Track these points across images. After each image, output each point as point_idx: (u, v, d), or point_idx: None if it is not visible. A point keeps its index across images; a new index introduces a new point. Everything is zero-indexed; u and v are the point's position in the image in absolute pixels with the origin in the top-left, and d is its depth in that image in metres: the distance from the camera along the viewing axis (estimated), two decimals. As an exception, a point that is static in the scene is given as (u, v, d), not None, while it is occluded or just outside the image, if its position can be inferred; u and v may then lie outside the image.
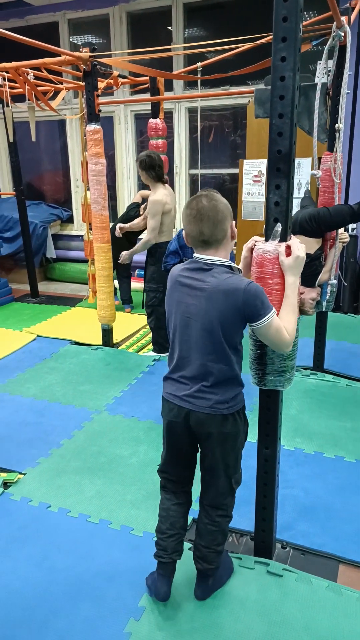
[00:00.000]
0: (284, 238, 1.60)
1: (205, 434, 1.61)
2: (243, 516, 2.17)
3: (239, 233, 4.67)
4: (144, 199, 4.62)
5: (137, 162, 3.67)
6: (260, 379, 1.73)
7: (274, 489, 1.88)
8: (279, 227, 1.59)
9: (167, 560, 1.72)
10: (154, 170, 3.61)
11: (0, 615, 1.74)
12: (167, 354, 1.75)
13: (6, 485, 2.43)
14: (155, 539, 1.78)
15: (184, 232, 1.64)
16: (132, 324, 4.72)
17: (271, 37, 1.47)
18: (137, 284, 5.84)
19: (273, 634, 1.66)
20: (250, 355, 1.76)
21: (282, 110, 1.50)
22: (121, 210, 6.42)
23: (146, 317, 3.95)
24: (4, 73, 3.89)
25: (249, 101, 5.01)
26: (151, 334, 4.02)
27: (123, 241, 4.52)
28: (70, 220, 6.78)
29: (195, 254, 1.63)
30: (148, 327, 4.11)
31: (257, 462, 1.88)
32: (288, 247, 1.58)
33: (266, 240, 1.62)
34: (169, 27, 5.67)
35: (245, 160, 4.82)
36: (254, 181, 4.78)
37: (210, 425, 1.58)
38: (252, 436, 2.74)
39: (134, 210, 4.69)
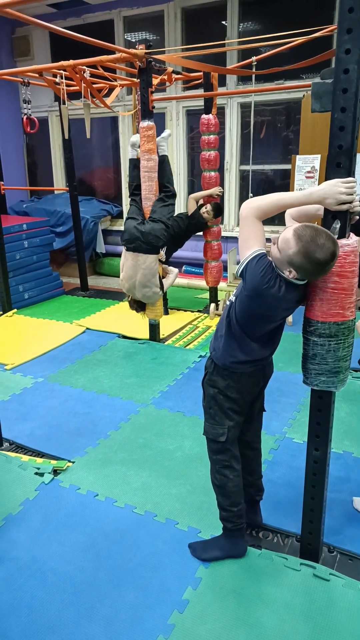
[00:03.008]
0: (342, 235, 1.56)
1: (271, 373, 1.96)
2: (289, 517, 2.15)
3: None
4: (198, 201, 4.65)
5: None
6: (312, 379, 1.70)
7: (322, 491, 1.84)
8: (337, 224, 1.55)
9: (245, 524, 1.96)
10: None
11: (49, 597, 1.81)
12: None
13: (56, 472, 2.50)
14: (229, 513, 1.91)
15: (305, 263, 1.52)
16: (178, 320, 4.74)
17: (327, 29, 1.43)
18: (182, 280, 5.87)
19: (319, 639, 1.63)
20: (303, 354, 1.73)
21: (344, 104, 1.47)
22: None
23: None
24: (62, 71, 3.99)
25: (303, 95, 4.91)
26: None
27: (169, 239, 4.56)
28: (120, 215, 6.88)
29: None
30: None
31: (306, 464, 1.85)
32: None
33: (324, 236, 1.58)
34: (223, 22, 5.63)
35: (297, 156, 4.72)
36: (307, 177, 4.68)
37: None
38: (300, 436, 2.72)
39: (200, 217, 4.64)
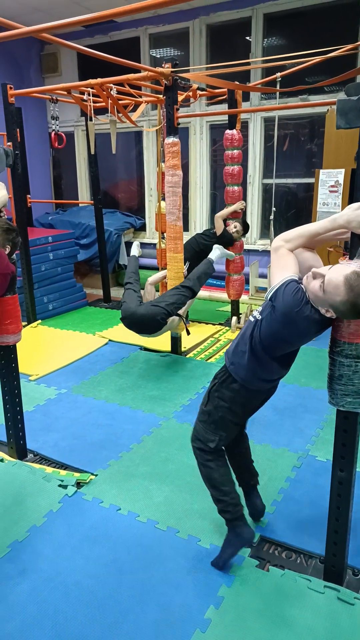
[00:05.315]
0: (369, 257, 1.56)
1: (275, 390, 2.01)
2: (312, 537, 2.13)
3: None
4: (224, 218, 4.68)
5: None
6: (338, 399, 1.70)
7: (347, 512, 1.83)
8: (364, 246, 1.56)
9: (242, 510, 1.99)
10: None
11: (73, 611, 1.82)
12: None
13: (79, 485, 2.53)
14: (223, 504, 1.98)
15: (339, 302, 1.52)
16: (200, 333, 4.76)
17: (350, 47, 1.44)
18: (204, 293, 5.89)
19: (343, 664, 1.61)
20: (329, 375, 1.73)
21: (373, 127, 1.47)
22: (192, 219, 6.51)
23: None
24: (89, 89, 4.08)
25: (327, 110, 4.91)
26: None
27: (194, 256, 4.60)
28: (142, 228, 6.97)
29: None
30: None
31: (330, 485, 1.84)
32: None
33: (350, 258, 1.59)
34: (248, 38, 5.69)
35: (321, 170, 4.72)
36: (330, 191, 4.67)
37: None
38: (324, 454, 2.70)
39: (230, 235, 4.69)
